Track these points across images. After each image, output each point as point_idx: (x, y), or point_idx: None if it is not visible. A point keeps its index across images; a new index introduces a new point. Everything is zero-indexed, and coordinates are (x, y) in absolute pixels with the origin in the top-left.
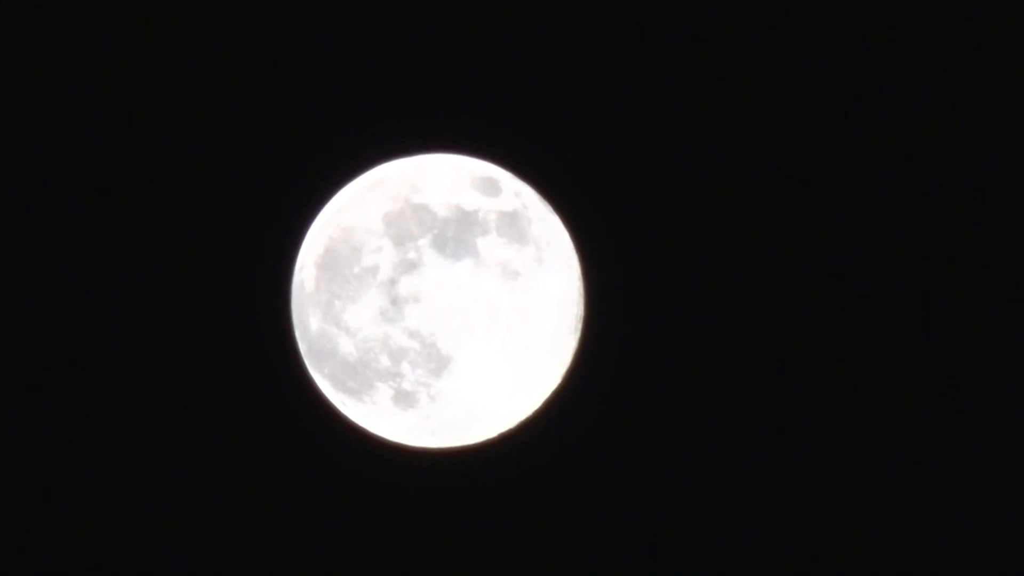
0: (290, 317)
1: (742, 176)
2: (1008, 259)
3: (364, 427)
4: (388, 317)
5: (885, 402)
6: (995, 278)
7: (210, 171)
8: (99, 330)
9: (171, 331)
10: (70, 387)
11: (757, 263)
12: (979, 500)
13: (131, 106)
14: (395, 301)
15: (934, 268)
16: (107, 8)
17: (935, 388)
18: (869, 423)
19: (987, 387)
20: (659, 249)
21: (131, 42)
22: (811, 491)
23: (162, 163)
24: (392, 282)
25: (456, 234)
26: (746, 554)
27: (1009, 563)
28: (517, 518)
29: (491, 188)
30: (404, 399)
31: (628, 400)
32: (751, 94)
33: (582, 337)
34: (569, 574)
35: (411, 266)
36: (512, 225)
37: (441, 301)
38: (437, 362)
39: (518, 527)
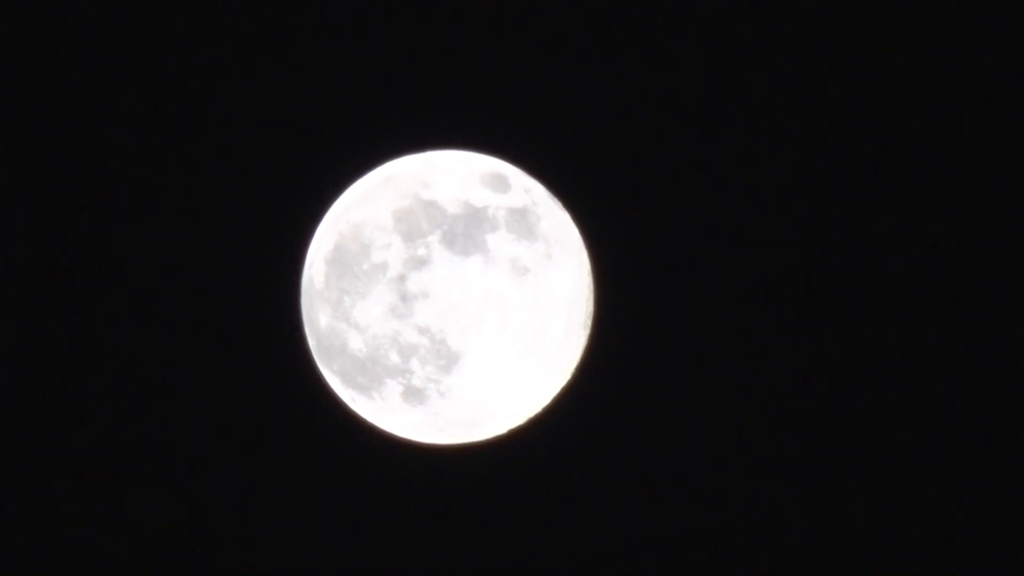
0: (300, 313)
1: (751, 174)
2: (1008, 259)
3: (373, 423)
4: (398, 313)
5: (893, 400)
6: (996, 278)
7: (220, 167)
8: (108, 327)
9: (181, 327)
10: (79, 383)
11: (766, 260)
12: (981, 501)
13: (143, 104)
14: (405, 297)
15: (941, 270)
16: (120, 8)
17: (941, 390)
18: (879, 419)
19: (989, 388)
20: (668, 245)
21: (144, 41)
22: (819, 487)
23: (172, 159)
24: (402, 278)
25: (466, 230)
26: (752, 551)
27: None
28: (526, 515)
29: (500, 184)
30: (413, 395)
31: (638, 396)
32: (759, 91)
33: (591, 333)
34: (577, 571)
35: (421, 262)
36: (521, 221)
37: (451, 297)
38: (447, 358)
39: (527, 524)
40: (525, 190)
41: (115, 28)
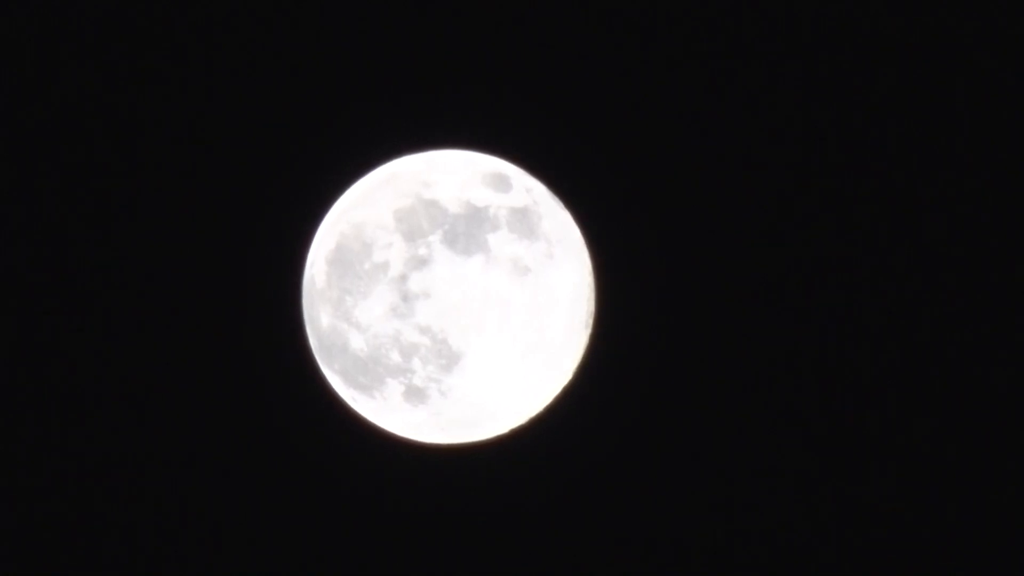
0: (301, 313)
1: (751, 174)
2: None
3: (374, 423)
4: (399, 313)
5: (892, 400)
6: (996, 278)
7: (221, 168)
8: (110, 327)
9: (182, 327)
10: (81, 383)
11: (767, 259)
12: (981, 501)
13: (144, 105)
14: (406, 297)
15: (941, 270)
16: (120, 8)
17: (940, 390)
18: (879, 419)
19: (989, 388)
20: (670, 244)
21: (144, 41)
22: (819, 486)
23: (173, 159)
24: (403, 278)
25: (467, 230)
26: (752, 551)
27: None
28: (526, 515)
29: (502, 184)
30: (415, 395)
31: (638, 396)
32: (760, 92)
33: (593, 333)
34: (578, 570)
35: (422, 262)
36: (523, 221)
37: (452, 297)
38: (448, 358)
39: (527, 524)
40: (526, 190)
41: (115, 28)
